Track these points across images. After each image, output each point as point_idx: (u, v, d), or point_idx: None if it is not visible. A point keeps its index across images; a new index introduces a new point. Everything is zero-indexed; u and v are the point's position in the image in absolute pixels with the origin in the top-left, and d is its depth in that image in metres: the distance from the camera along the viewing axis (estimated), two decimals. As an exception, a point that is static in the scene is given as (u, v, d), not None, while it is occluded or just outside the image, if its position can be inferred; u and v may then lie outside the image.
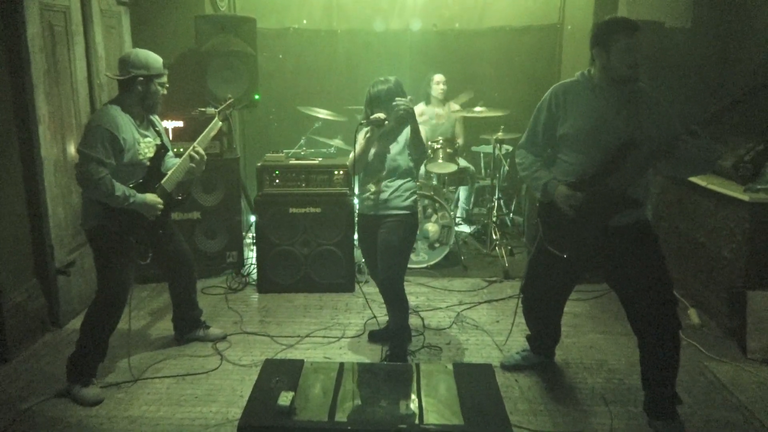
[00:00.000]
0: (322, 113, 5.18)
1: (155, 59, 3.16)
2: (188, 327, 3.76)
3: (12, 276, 3.52)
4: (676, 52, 4.84)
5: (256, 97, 4.94)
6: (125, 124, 3.08)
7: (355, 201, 4.57)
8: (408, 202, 3.31)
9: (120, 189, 3.02)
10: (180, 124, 4.53)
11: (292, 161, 4.58)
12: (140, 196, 3.10)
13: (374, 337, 3.78)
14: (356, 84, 5.86)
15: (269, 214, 4.46)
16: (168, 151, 3.33)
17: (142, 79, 3.09)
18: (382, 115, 3.19)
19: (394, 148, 3.29)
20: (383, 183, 3.31)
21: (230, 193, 4.76)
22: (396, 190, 3.29)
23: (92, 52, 4.22)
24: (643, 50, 2.70)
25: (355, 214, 4.71)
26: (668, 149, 2.59)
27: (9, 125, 3.51)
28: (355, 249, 4.59)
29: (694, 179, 4.09)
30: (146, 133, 3.23)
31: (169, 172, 3.27)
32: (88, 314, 3.17)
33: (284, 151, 4.78)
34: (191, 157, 3.28)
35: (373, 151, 3.31)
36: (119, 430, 2.88)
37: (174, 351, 3.65)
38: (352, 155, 3.37)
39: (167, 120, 4.50)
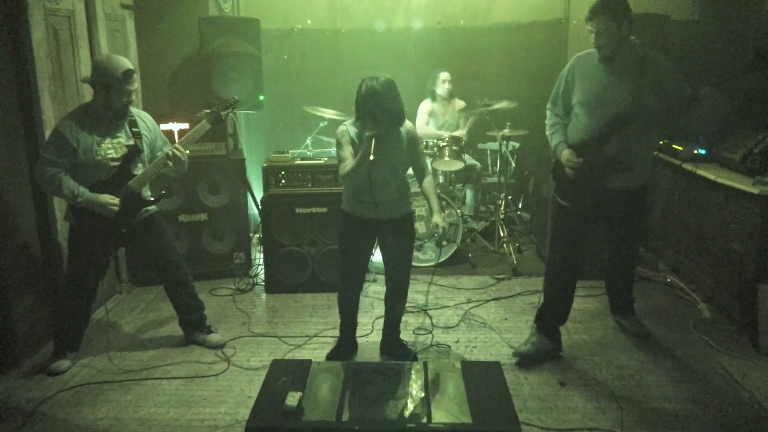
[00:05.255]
0: (328, 113, 5.17)
1: (114, 66, 3.16)
2: (189, 329, 3.75)
3: (21, 281, 3.54)
4: (683, 45, 4.81)
5: (261, 97, 4.94)
6: (84, 126, 3.18)
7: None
8: (409, 200, 3.34)
9: (69, 187, 3.12)
10: (185, 126, 4.53)
11: (298, 161, 4.57)
12: (90, 195, 3.16)
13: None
14: (361, 83, 5.84)
15: (276, 214, 4.46)
16: (141, 152, 3.35)
17: (98, 86, 3.19)
18: (370, 133, 2.96)
19: (395, 149, 3.14)
20: (393, 185, 3.18)
21: (237, 194, 4.77)
22: (400, 189, 3.23)
23: (97, 56, 4.23)
24: (615, 34, 3.05)
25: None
26: (684, 111, 3.07)
27: (16, 130, 3.53)
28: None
29: (702, 172, 4.06)
30: (117, 134, 3.29)
31: (140, 173, 3.31)
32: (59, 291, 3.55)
33: (290, 151, 4.78)
34: (168, 156, 3.31)
35: (372, 158, 2.99)
36: (129, 432, 2.90)
37: (182, 352, 3.66)
38: (348, 166, 3.09)
39: (172, 122, 4.51)
